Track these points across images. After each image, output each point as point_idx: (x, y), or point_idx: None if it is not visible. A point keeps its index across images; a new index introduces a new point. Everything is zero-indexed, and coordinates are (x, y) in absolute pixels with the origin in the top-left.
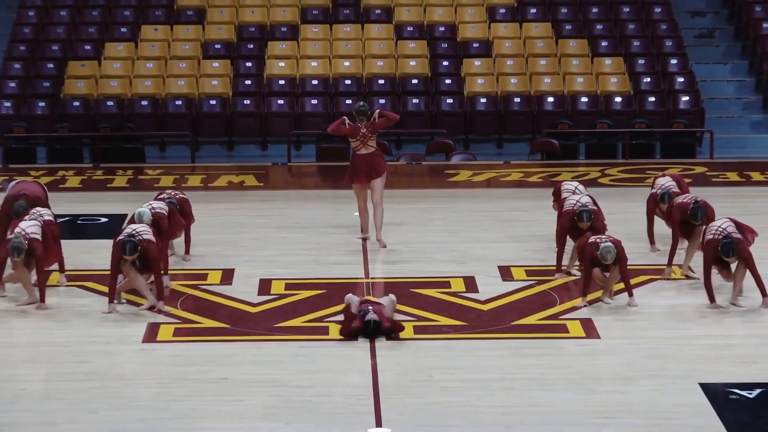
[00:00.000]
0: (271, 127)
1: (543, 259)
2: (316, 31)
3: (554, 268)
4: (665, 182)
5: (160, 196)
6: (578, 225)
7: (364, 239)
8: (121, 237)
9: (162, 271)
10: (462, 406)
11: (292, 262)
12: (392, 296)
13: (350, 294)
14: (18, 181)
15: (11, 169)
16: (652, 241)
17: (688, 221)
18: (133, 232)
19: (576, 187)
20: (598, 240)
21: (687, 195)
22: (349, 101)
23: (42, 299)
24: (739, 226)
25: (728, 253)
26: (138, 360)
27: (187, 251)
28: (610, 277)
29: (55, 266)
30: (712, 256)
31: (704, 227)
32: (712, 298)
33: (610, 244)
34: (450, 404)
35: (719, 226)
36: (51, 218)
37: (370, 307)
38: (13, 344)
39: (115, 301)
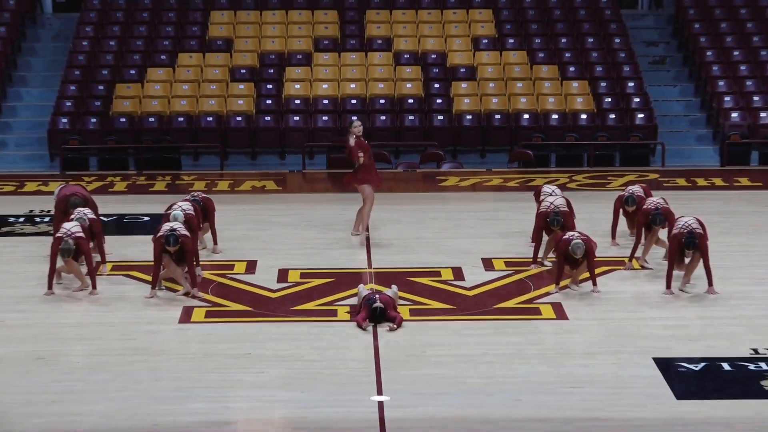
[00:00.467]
0: (289, 139)
1: (520, 252)
2: (326, 58)
3: (530, 259)
4: (634, 188)
5: (186, 198)
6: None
7: (356, 235)
8: (162, 233)
9: (195, 262)
10: (451, 377)
11: (306, 254)
12: (395, 287)
13: (361, 285)
14: (63, 185)
15: (68, 175)
16: (613, 236)
17: (650, 224)
18: (173, 228)
19: (553, 191)
20: (570, 237)
21: (652, 200)
22: (354, 118)
23: (93, 286)
24: (702, 226)
25: (690, 246)
26: (175, 338)
27: (215, 242)
28: (578, 268)
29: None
30: (676, 248)
31: (669, 225)
32: (668, 285)
33: (580, 241)
34: (441, 376)
35: (686, 222)
36: (94, 216)
37: (377, 296)
38: (68, 324)
39: (156, 288)
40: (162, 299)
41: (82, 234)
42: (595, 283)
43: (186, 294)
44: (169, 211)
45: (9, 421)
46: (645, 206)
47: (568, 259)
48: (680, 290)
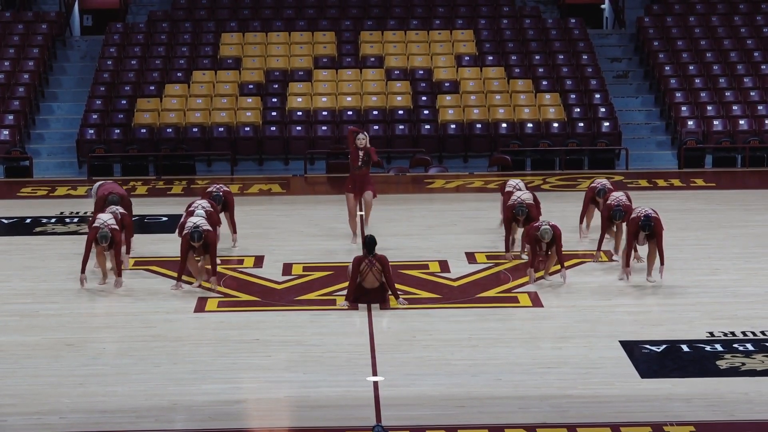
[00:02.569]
0: (292, 147)
1: (500, 247)
2: (325, 74)
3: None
4: (603, 181)
5: (208, 190)
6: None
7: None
8: (187, 230)
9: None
10: (438, 359)
11: (308, 250)
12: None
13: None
14: (102, 183)
15: (94, 180)
16: (581, 222)
17: (611, 218)
18: (196, 224)
19: (517, 184)
20: (539, 224)
21: (615, 195)
22: (350, 127)
23: (119, 273)
24: (656, 214)
25: (645, 228)
26: (191, 325)
27: (234, 232)
28: (549, 259)
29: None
30: (633, 231)
31: (630, 214)
32: (626, 264)
33: (548, 227)
34: (429, 358)
35: (641, 209)
36: (125, 212)
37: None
38: (96, 314)
39: (181, 281)
40: (179, 291)
41: (116, 226)
42: (564, 272)
43: (199, 286)
44: (191, 208)
45: (42, 402)
46: (608, 201)
47: (537, 244)
48: (647, 280)
